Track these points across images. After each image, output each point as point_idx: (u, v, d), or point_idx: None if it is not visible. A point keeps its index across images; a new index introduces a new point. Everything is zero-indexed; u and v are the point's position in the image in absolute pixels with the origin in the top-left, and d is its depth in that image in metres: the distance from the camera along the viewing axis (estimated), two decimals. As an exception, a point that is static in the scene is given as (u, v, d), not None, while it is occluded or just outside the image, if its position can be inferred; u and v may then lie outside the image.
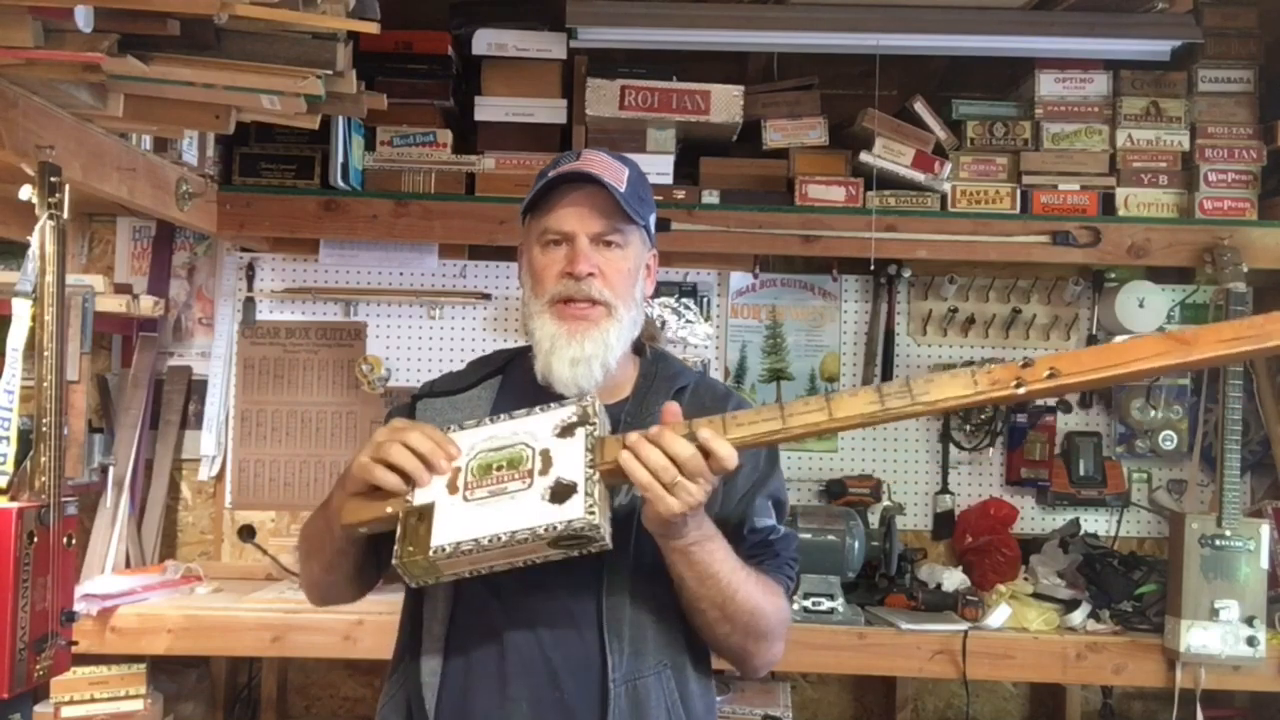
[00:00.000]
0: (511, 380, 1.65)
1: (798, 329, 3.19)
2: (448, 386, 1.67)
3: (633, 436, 1.34)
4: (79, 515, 2.00)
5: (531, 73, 2.91)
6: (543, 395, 1.54)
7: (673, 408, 1.39)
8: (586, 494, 1.34)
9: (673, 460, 1.32)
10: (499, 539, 1.33)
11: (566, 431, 1.41)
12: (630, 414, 1.58)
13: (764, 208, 2.85)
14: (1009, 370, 1.25)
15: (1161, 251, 2.83)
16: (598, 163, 1.59)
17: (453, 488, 1.39)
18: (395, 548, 1.36)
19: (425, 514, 1.37)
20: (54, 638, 1.87)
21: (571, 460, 1.37)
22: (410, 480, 1.40)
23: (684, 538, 1.38)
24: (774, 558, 1.56)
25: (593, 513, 1.31)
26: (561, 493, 1.35)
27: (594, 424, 1.40)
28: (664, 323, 3.16)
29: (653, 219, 1.66)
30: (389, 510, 1.39)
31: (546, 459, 1.39)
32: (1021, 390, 1.23)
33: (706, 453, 1.32)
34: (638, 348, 1.66)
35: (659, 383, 1.63)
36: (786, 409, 1.30)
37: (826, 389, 3.17)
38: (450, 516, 1.36)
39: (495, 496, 1.37)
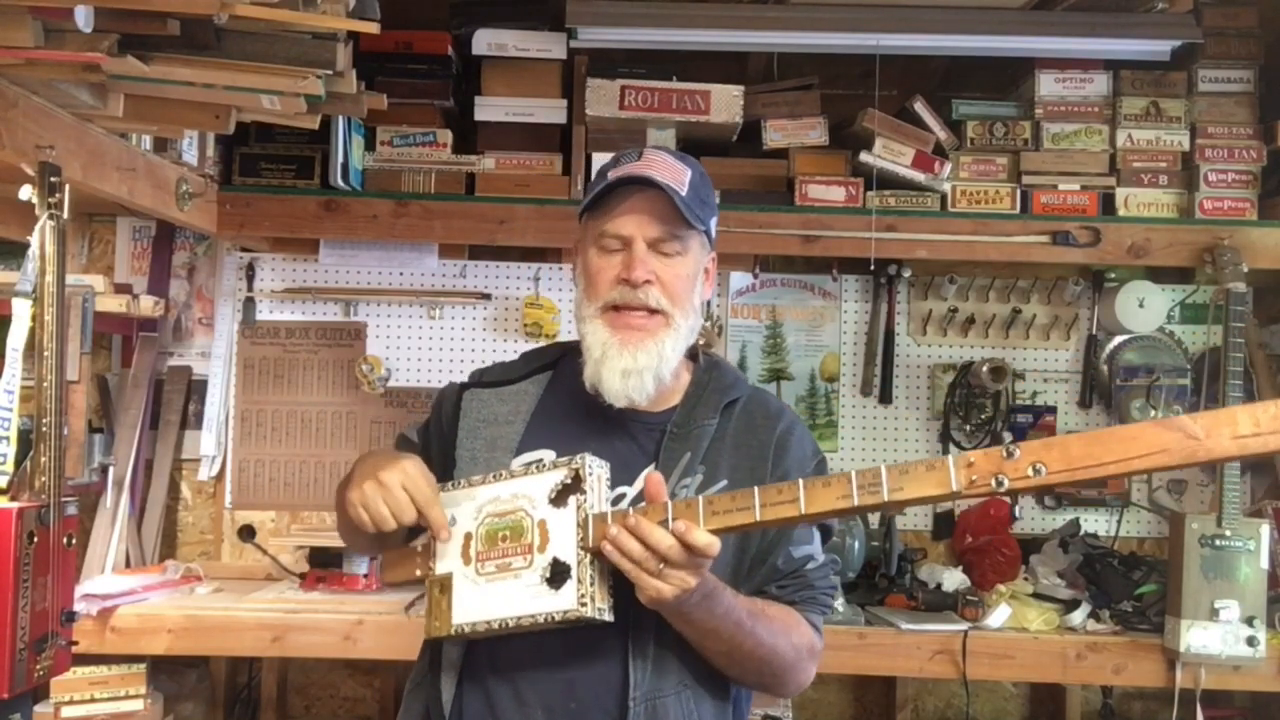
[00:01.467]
0: (562, 378, 1.62)
1: (798, 329, 3.19)
2: (497, 377, 1.65)
3: (613, 528, 1.31)
4: (79, 515, 2.00)
5: (531, 73, 2.91)
6: (591, 402, 1.53)
7: (655, 482, 1.36)
8: (579, 580, 1.34)
9: (654, 551, 1.29)
10: (507, 623, 1.39)
11: (560, 499, 1.38)
12: (678, 424, 1.54)
13: (764, 208, 2.85)
14: (990, 460, 1.14)
15: (1161, 251, 2.83)
16: (659, 164, 1.54)
17: (466, 557, 1.44)
18: (425, 618, 1.47)
19: (446, 586, 1.45)
20: (54, 638, 1.87)
21: (565, 537, 1.37)
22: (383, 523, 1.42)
23: (679, 607, 1.35)
24: (807, 589, 1.53)
25: (585, 604, 1.33)
26: (558, 576, 1.36)
27: (584, 493, 1.37)
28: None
29: (714, 222, 1.61)
30: (418, 574, 1.49)
31: (544, 532, 1.39)
32: (1002, 488, 1.14)
33: (684, 543, 1.28)
34: (691, 353, 1.62)
35: (709, 394, 1.58)
36: (762, 497, 1.27)
37: (827, 389, 3.17)
38: (466, 593, 1.43)
39: (502, 573, 1.41)
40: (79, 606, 2.39)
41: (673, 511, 1.30)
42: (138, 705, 2.61)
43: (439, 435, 1.63)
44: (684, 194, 1.51)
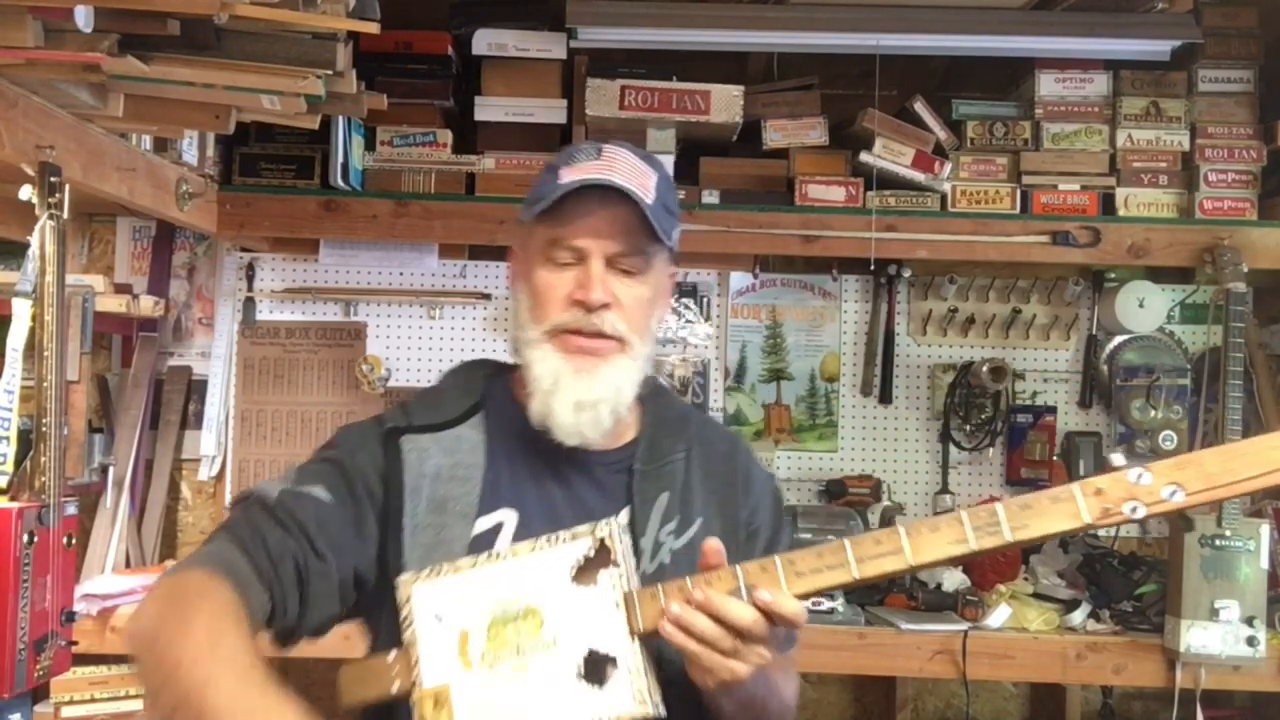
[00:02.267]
0: (497, 417, 1.37)
1: (798, 329, 3.18)
2: (429, 418, 1.35)
3: (674, 606, 1.11)
4: (79, 515, 2.00)
5: (531, 73, 2.91)
6: (537, 442, 1.32)
7: (714, 548, 1.15)
8: (630, 672, 1.12)
9: (730, 627, 1.10)
10: None
11: (585, 575, 1.15)
12: (645, 460, 1.36)
13: (764, 208, 2.85)
14: (1120, 486, 1.04)
15: (1161, 251, 2.83)
16: (623, 166, 1.32)
17: (465, 659, 1.16)
18: None
19: (442, 700, 1.16)
20: (54, 638, 1.87)
21: (601, 623, 1.13)
22: None
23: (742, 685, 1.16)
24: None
25: (643, 700, 1.11)
26: (597, 670, 1.13)
27: (616, 565, 1.14)
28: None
29: (678, 232, 1.39)
30: (395, 690, 1.20)
31: (570, 617, 1.14)
32: (1138, 515, 1.03)
33: (769, 614, 1.10)
34: None
35: (668, 422, 1.41)
36: (857, 550, 1.08)
37: (827, 389, 3.17)
38: (473, 705, 1.15)
39: (519, 674, 1.15)
40: (79, 606, 2.39)
41: (744, 577, 1.11)
42: (138, 705, 2.61)
43: (368, 496, 1.29)
44: (650, 201, 1.30)
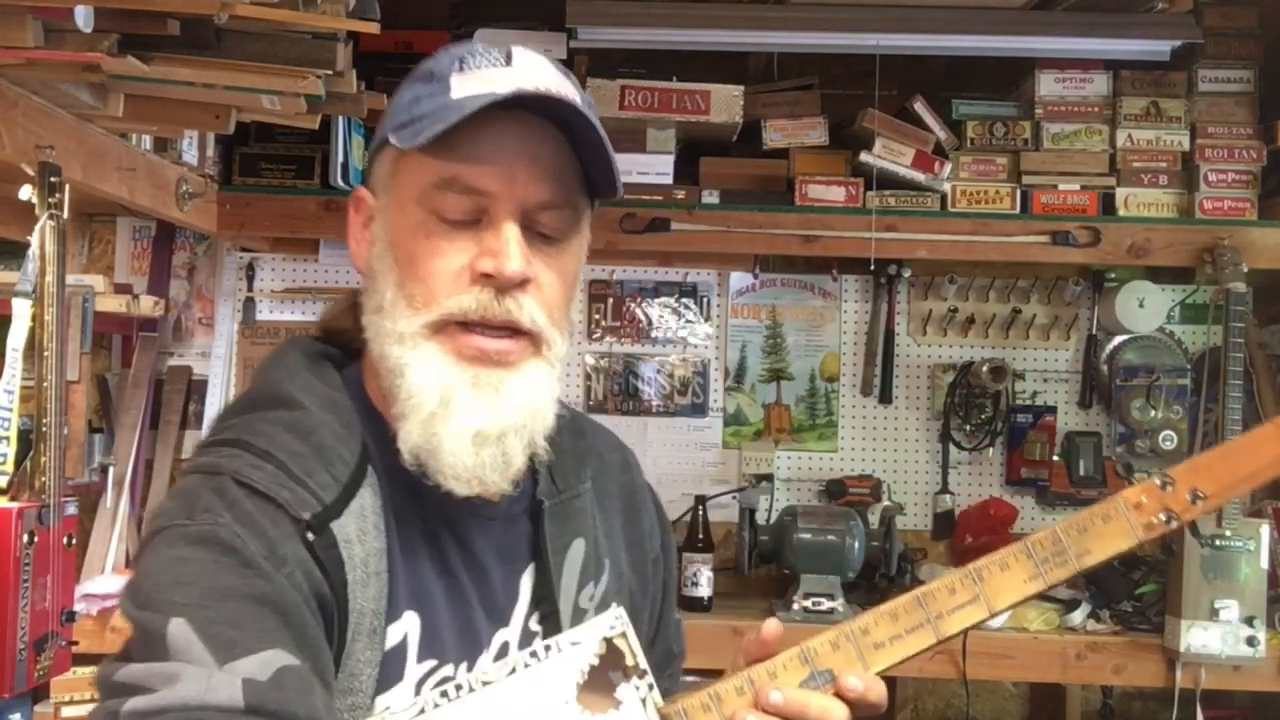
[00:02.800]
0: (382, 463, 0.94)
1: (798, 329, 3.18)
2: (329, 485, 0.89)
3: (746, 715, 0.85)
4: (79, 515, 2.00)
5: (531, 73, 2.90)
6: (417, 496, 0.94)
7: (776, 631, 0.91)
8: None
9: None
10: None
11: (596, 697, 0.84)
12: (549, 493, 1.01)
13: (764, 208, 2.85)
14: (1153, 496, 1.01)
15: (1161, 251, 2.83)
16: (540, 73, 0.92)
17: None
18: None
19: None
20: (54, 638, 1.87)
21: None
22: None
23: None
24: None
25: None
26: None
27: (642, 671, 0.86)
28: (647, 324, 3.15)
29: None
30: None
31: None
32: (1174, 525, 1.01)
33: (856, 705, 0.89)
34: None
35: (564, 442, 1.02)
36: (932, 605, 0.94)
37: (827, 389, 3.17)
38: None
39: None
40: (79, 606, 2.38)
41: (815, 660, 0.90)
42: (138, 705, 2.60)
43: (320, 624, 0.85)
44: (596, 122, 0.92)
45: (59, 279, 1.87)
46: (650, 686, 0.86)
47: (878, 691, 0.89)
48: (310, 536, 0.85)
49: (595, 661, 0.86)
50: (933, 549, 3.14)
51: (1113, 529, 0.99)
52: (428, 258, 0.91)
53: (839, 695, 0.88)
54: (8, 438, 1.87)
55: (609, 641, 0.86)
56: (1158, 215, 2.88)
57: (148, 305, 2.90)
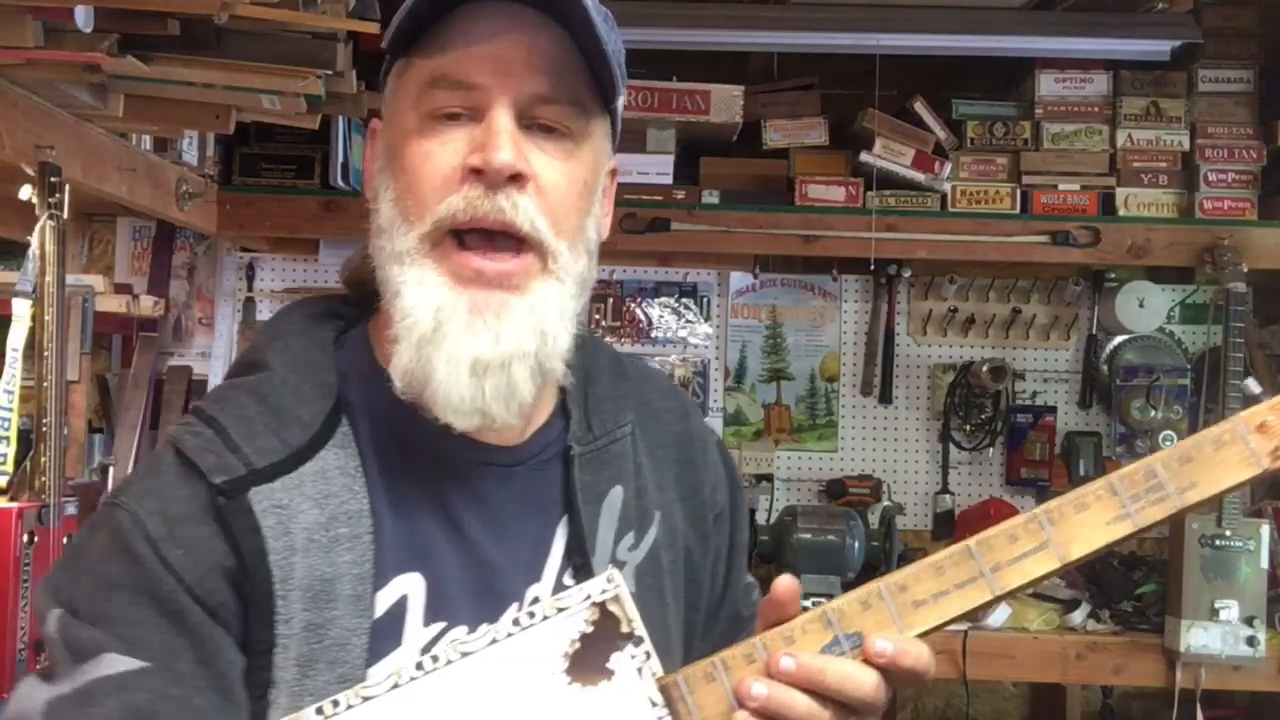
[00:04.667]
0: (364, 413, 0.90)
1: (798, 329, 3.18)
2: (273, 448, 0.85)
3: (755, 685, 0.74)
4: (79, 515, 2.00)
5: (531, 73, 2.91)
6: (426, 433, 0.87)
7: (789, 587, 0.79)
8: None
9: (841, 702, 0.75)
10: None
11: (587, 668, 0.76)
12: (581, 440, 0.94)
13: (764, 208, 2.85)
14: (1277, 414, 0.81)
15: (1161, 251, 2.83)
16: None
17: None
18: None
19: None
20: (54, 638, 1.87)
21: None
22: None
23: None
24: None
25: None
26: None
27: (637, 637, 0.77)
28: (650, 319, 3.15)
29: (622, 102, 0.94)
30: None
31: None
32: None
33: (887, 670, 0.77)
34: None
35: (602, 384, 0.97)
36: (988, 555, 0.79)
37: (827, 389, 3.16)
38: None
39: None
40: (79, 606, 2.38)
41: (840, 621, 0.78)
42: (138, 705, 2.60)
43: (216, 622, 0.80)
44: (596, 21, 0.84)
45: (59, 279, 1.87)
46: (648, 655, 0.77)
47: (915, 655, 0.76)
48: (221, 502, 0.81)
49: (587, 629, 0.76)
50: (933, 549, 3.12)
51: (1228, 457, 0.80)
52: (420, 163, 0.85)
53: (867, 661, 0.77)
54: (8, 438, 1.87)
55: (601, 606, 0.77)
56: (1158, 215, 2.88)
57: (148, 305, 2.90)
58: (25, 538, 1.79)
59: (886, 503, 3.07)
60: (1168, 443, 3.04)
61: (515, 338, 0.84)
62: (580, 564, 0.91)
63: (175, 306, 3.17)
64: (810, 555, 2.73)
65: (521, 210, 0.83)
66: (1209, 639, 2.54)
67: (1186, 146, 2.89)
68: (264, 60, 1.81)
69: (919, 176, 2.85)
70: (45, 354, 1.86)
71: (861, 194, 2.86)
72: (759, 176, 2.94)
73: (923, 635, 0.79)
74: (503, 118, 0.83)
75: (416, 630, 0.86)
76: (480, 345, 0.83)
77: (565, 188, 0.86)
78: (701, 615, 1.00)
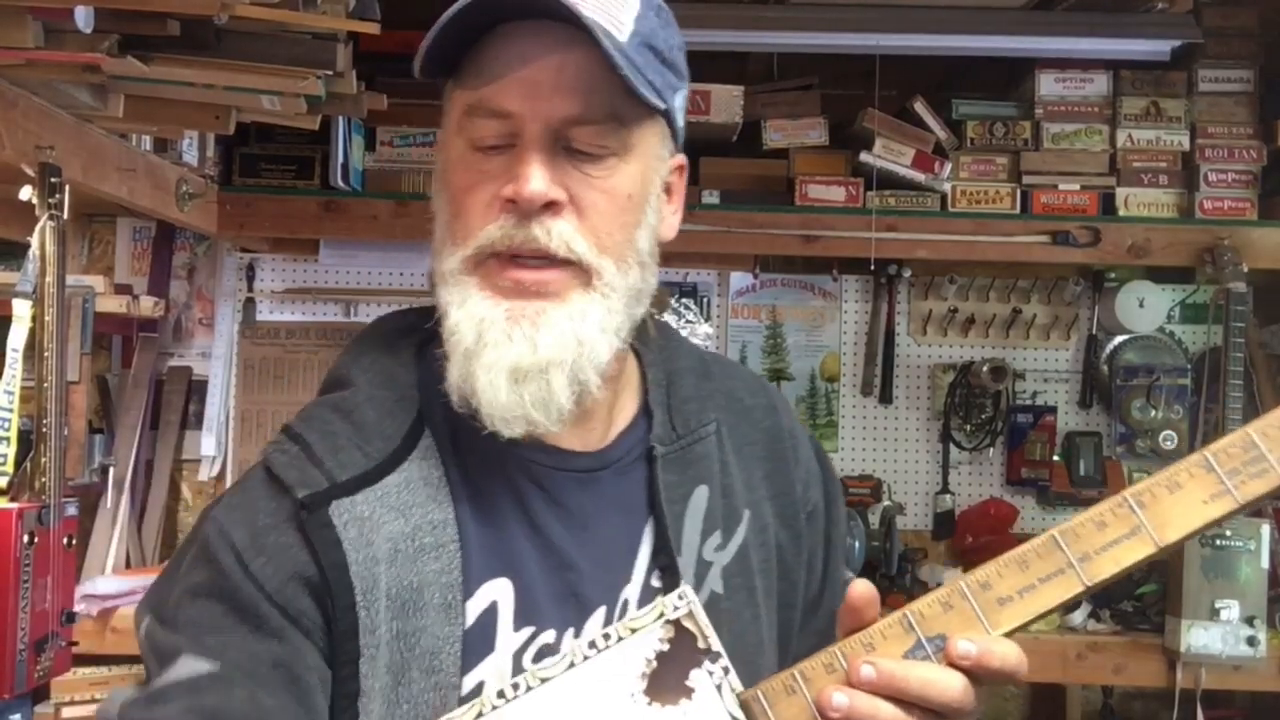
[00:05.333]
0: (445, 424, 0.92)
1: (798, 329, 3.18)
2: (357, 462, 0.88)
3: (836, 696, 0.73)
4: (79, 516, 2.00)
5: (531, 73, 2.91)
6: (499, 452, 0.89)
7: (864, 593, 0.77)
8: None
9: (926, 708, 0.74)
10: None
11: (665, 687, 0.75)
12: (664, 440, 0.94)
13: (764, 208, 2.85)
14: None
15: (1161, 251, 2.83)
16: None
17: None
18: None
19: None
20: (54, 638, 1.87)
21: None
22: None
23: None
24: None
25: None
26: None
27: (714, 652, 0.76)
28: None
29: (682, 96, 0.93)
30: None
31: None
32: None
33: (973, 672, 0.75)
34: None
35: (685, 384, 0.98)
36: (1075, 545, 0.75)
37: (827, 389, 3.16)
38: None
39: None
40: (79, 607, 2.38)
41: (920, 625, 0.75)
42: (138, 706, 2.60)
43: (299, 632, 0.83)
44: (622, 37, 0.84)
45: (59, 279, 1.87)
46: (726, 670, 0.75)
47: (1002, 655, 0.74)
48: (303, 515, 0.85)
49: (663, 647, 0.76)
50: (933, 549, 3.14)
51: None
52: (465, 192, 0.88)
53: (951, 664, 0.74)
54: (8, 438, 1.86)
55: (676, 624, 0.76)
56: (1158, 215, 2.88)
57: (148, 306, 2.90)
58: (25, 538, 1.78)
59: (886, 503, 3.07)
60: (1168, 443, 3.04)
61: (553, 345, 0.85)
62: (666, 565, 0.92)
63: (175, 307, 3.17)
64: (810, 555, 2.73)
65: (556, 236, 0.85)
66: (1209, 639, 2.54)
67: (1186, 146, 2.89)
68: (264, 60, 1.81)
69: (919, 176, 2.85)
70: (45, 354, 1.86)
71: (861, 194, 2.86)
72: (759, 176, 2.94)
73: (1010, 634, 0.76)
74: (533, 147, 0.84)
75: (508, 636, 0.88)
76: (518, 353, 0.85)
77: (605, 206, 0.87)
78: (798, 613, 1.00)
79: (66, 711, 2.56)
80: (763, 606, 0.95)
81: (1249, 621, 2.54)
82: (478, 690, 0.84)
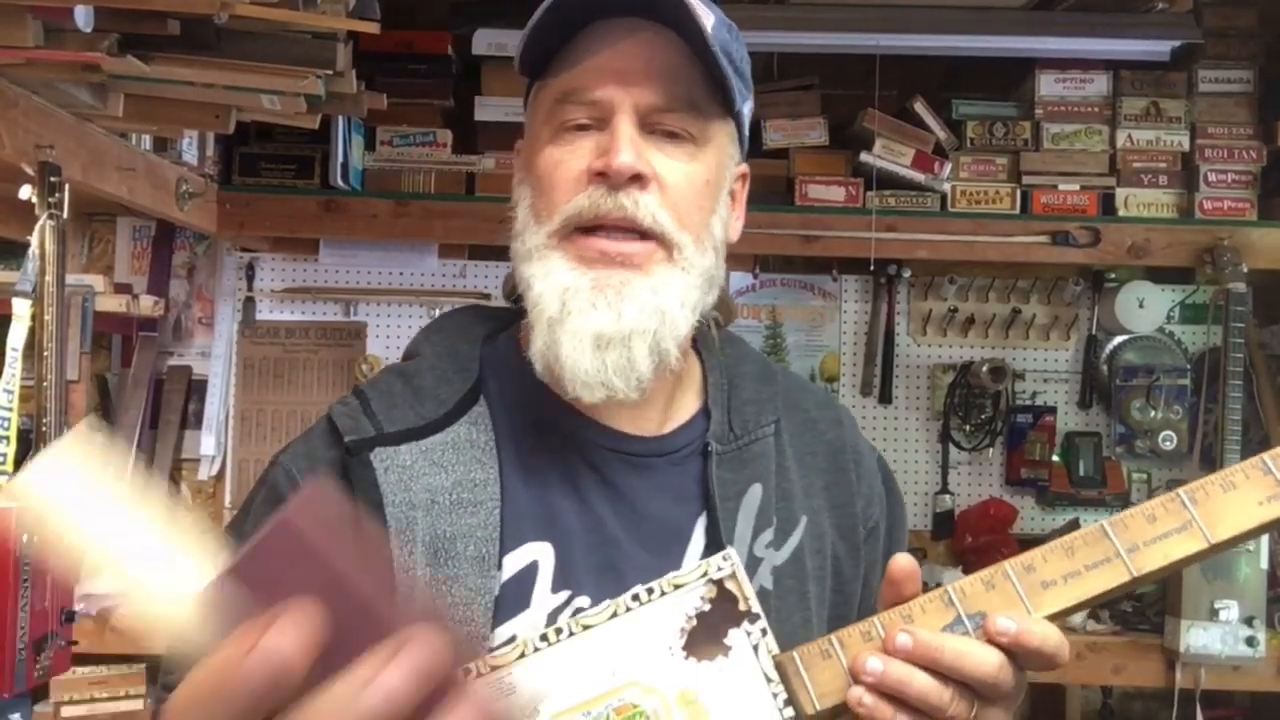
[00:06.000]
0: (503, 400, 0.97)
1: (798, 329, 3.18)
2: (406, 419, 0.94)
3: (871, 661, 0.73)
4: (79, 515, 2.00)
5: (531, 73, 2.91)
6: (564, 425, 0.95)
7: (906, 566, 0.79)
8: None
9: (962, 681, 0.74)
10: None
11: (703, 642, 0.76)
12: (721, 438, 0.96)
13: (764, 208, 2.85)
14: None
15: (1161, 251, 2.83)
16: None
17: None
18: None
19: None
20: (54, 638, 1.87)
21: (748, 712, 0.75)
22: None
23: None
24: None
25: None
26: None
27: (753, 614, 0.77)
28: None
29: (748, 107, 1.00)
30: None
31: (693, 709, 0.75)
32: None
33: (1013, 652, 0.75)
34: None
35: (749, 382, 1.02)
36: (1124, 535, 0.75)
37: (827, 389, 3.16)
38: None
39: None
40: (79, 606, 2.38)
41: (962, 602, 0.76)
42: (138, 705, 2.61)
43: None
44: (710, 31, 0.89)
45: (59, 279, 1.87)
46: (764, 632, 0.77)
47: (1042, 636, 0.74)
48: (347, 459, 0.92)
49: (704, 606, 0.77)
50: (932, 549, 3.14)
51: None
52: (551, 169, 0.92)
53: (989, 640, 0.74)
54: (8, 438, 1.87)
55: (719, 584, 0.78)
56: (1158, 215, 2.88)
57: (148, 305, 2.90)
58: (25, 537, 1.79)
59: (886, 503, 3.07)
60: (1167, 443, 3.04)
61: (636, 314, 0.89)
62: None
63: (175, 306, 3.17)
64: (810, 555, 2.73)
65: (643, 206, 0.89)
66: (1209, 639, 2.54)
67: (1186, 146, 2.89)
68: (264, 60, 1.81)
69: (919, 176, 2.85)
70: (45, 354, 1.86)
71: (861, 194, 2.86)
72: (759, 176, 2.89)
73: (1052, 618, 0.77)
74: (624, 125, 0.90)
75: (545, 596, 0.91)
76: (603, 320, 0.89)
77: (686, 186, 0.92)
78: (855, 602, 1.01)
79: (66, 711, 2.56)
80: (814, 613, 0.96)
81: (1248, 622, 2.54)
82: (509, 644, 0.83)
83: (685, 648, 0.76)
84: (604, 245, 0.90)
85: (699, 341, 1.02)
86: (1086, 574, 0.76)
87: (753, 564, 0.93)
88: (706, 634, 0.77)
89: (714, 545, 0.93)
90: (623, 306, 0.89)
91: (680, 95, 0.91)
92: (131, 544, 0.53)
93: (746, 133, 1.00)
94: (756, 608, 0.77)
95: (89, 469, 0.61)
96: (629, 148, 0.89)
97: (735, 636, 0.77)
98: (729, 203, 0.99)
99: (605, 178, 0.89)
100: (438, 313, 3.10)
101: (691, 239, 0.92)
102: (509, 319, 1.04)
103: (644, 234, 0.91)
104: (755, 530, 0.94)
